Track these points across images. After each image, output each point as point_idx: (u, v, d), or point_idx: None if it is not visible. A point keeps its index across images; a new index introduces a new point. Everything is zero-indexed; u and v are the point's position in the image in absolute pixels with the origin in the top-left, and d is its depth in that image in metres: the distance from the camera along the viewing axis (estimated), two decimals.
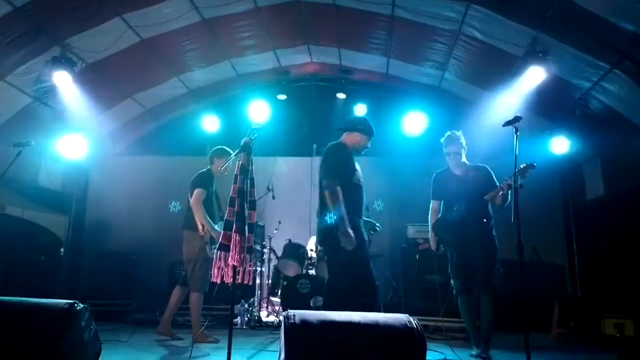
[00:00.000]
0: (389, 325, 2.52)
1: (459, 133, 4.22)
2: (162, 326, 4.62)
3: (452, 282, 4.11)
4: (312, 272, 6.00)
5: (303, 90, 7.79)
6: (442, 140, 4.25)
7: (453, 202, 4.13)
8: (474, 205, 4.00)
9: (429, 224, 4.29)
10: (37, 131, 5.97)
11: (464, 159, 4.20)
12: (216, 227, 4.42)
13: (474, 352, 4.02)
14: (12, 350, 2.48)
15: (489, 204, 4.07)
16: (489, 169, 4.20)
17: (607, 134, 5.72)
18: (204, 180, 4.57)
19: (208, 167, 4.77)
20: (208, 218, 4.41)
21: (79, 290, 6.65)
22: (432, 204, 4.32)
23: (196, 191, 4.45)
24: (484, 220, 4.04)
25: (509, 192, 3.87)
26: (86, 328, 2.67)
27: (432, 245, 4.26)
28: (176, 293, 4.62)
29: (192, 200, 4.45)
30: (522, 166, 3.57)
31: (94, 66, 6.03)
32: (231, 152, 4.73)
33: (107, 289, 6.23)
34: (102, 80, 6.34)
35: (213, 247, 4.08)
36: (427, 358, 2.38)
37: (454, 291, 4.10)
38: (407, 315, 2.55)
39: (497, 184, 4.01)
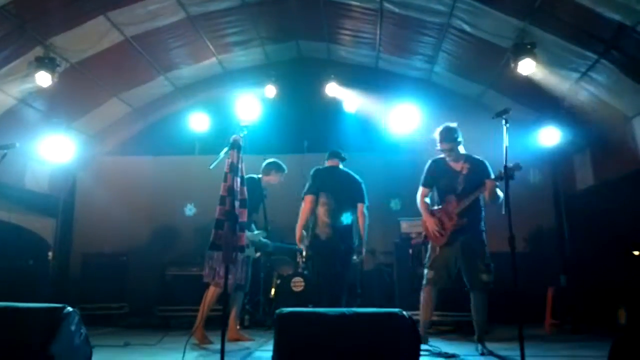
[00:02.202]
0: (381, 320, 2.52)
1: (454, 125, 4.08)
2: (229, 334, 4.41)
3: (424, 271, 4.07)
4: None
5: (292, 86, 7.72)
6: (435, 135, 4.09)
7: (445, 194, 4.08)
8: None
9: (420, 209, 4.19)
10: (22, 133, 5.86)
11: (462, 151, 4.10)
12: (255, 232, 4.76)
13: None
14: (0, 356, 2.43)
15: (481, 198, 4.01)
16: (487, 163, 4.08)
17: (597, 124, 5.76)
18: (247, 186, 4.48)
19: (259, 175, 4.82)
20: None
21: (69, 294, 6.52)
22: (422, 190, 4.23)
23: None
24: (474, 214, 3.99)
25: (496, 191, 3.85)
26: (76, 332, 2.63)
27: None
28: (233, 298, 4.51)
29: None
30: (509, 166, 3.42)
31: (78, 66, 5.93)
32: (285, 169, 4.92)
33: (98, 293, 6.11)
34: (86, 80, 6.23)
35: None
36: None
37: (424, 280, 4.04)
38: (400, 309, 2.54)
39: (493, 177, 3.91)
